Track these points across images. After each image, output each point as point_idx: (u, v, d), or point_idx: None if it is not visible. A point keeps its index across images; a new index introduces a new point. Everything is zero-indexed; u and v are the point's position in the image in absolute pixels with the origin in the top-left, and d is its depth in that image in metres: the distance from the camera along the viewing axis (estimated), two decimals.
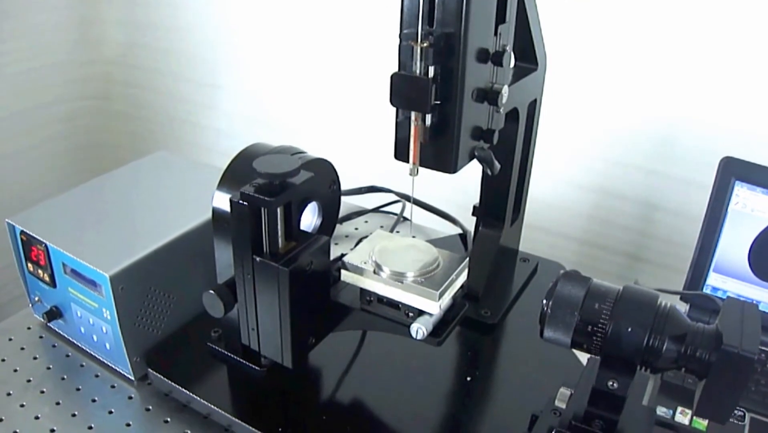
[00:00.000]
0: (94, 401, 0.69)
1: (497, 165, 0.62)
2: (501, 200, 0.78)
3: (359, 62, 1.27)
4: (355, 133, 1.33)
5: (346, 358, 0.71)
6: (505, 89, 0.60)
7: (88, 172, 1.60)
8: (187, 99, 1.56)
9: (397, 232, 1.01)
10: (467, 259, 0.61)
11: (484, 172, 0.77)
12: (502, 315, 0.77)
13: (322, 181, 0.66)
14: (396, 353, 0.72)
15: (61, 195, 0.77)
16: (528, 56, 0.74)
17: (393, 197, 1.07)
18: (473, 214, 0.80)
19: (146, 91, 1.61)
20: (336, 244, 0.95)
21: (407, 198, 1.06)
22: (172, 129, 1.63)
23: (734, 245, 0.82)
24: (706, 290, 0.84)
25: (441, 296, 0.56)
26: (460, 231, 0.98)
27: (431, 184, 0.98)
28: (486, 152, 0.61)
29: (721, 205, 0.81)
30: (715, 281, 0.83)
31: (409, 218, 1.05)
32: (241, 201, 0.55)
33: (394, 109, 0.58)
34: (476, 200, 0.80)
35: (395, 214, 1.04)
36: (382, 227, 1.01)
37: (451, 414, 0.67)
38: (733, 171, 0.81)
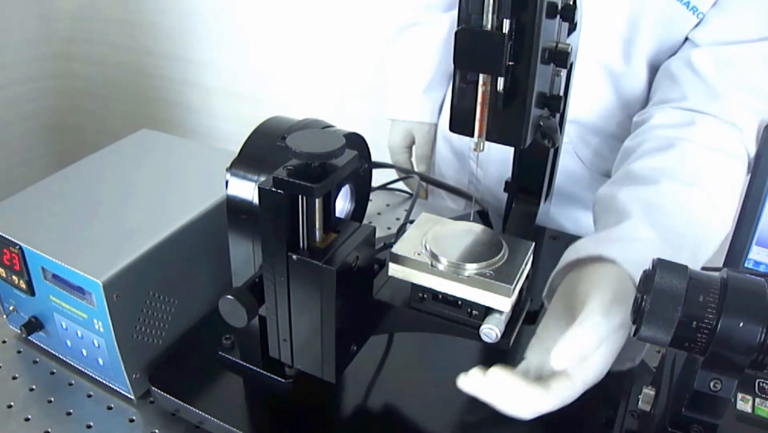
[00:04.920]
0: (89, 427, 0.58)
1: (560, 136, 0.54)
2: (538, 174, 0.70)
3: (341, 28, 1.16)
4: (342, 104, 1.23)
5: (373, 362, 0.63)
6: (572, 49, 0.51)
7: (56, 155, 1.47)
8: (156, 75, 1.42)
9: (405, 211, 0.92)
10: (533, 244, 0.53)
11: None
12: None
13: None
14: (429, 352, 0.64)
15: (35, 185, 0.65)
16: (567, 13, 0.65)
17: (393, 174, 0.98)
18: (505, 189, 0.72)
19: (111, 69, 1.46)
20: None
21: (410, 175, 0.97)
22: (139, 106, 1.49)
23: None
24: (748, 265, 0.78)
25: (514, 290, 0.48)
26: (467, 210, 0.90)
27: None
28: (551, 122, 0.52)
29: (765, 172, 0.75)
30: (758, 255, 0.77)
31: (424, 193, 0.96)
32: (273, 188, 0.46)
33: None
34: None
35: (401, 191, 0.96)
36: (388, 205, 0.93)
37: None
38: None
